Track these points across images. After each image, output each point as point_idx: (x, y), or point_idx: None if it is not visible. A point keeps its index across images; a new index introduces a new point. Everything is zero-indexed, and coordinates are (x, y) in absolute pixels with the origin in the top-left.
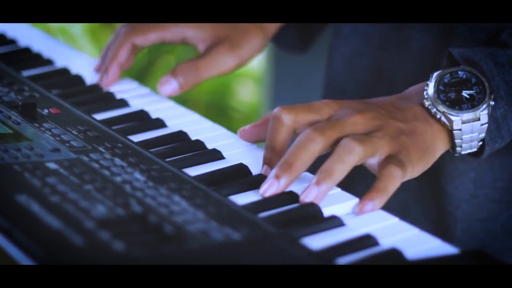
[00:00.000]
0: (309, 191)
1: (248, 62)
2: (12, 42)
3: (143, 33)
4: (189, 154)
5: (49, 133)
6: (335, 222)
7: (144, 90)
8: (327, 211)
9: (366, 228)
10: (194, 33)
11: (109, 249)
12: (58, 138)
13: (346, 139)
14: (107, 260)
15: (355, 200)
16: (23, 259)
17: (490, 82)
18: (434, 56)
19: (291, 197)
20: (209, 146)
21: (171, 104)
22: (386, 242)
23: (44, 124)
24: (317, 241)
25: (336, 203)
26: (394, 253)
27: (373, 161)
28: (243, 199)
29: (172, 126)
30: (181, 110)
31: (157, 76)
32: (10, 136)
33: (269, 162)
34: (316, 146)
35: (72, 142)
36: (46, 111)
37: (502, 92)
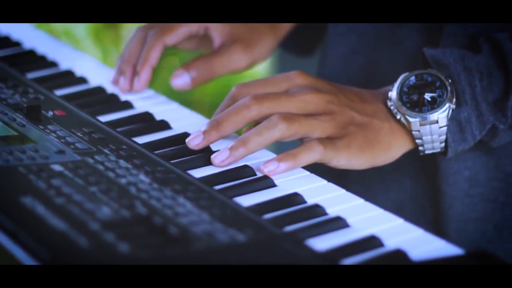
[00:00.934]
0: (221, 152)
1: (260, 62)
2: (17, 44)
3: (173, 31)
4: (193, 155)
5: (54, 135)
6: (339, 223)
7: (149, 92)
8: (331, 212)
9: (371, 229)
10: (216, 26)
11: (114, 250)
12: (63, 140)
13: (274, 115)
14: (112, 262)
15: (360, 200)
16: (28, 261)
17: (457, 86)
18: None
19: (296, 198)
20: (213, 148)
21: (176, 105)
22: (390, 243)
23: (49, 126)
24: (321, 242)
25: (341, 204)
26: (399, 254)
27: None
28: (248, 200)
29: (177, 128)
30: (185, 111)
31: (161, 78)
32: (15, 138)
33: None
34: (248, 113)
35: (77, 144)
36: (50, 113)
37: (467, 96)
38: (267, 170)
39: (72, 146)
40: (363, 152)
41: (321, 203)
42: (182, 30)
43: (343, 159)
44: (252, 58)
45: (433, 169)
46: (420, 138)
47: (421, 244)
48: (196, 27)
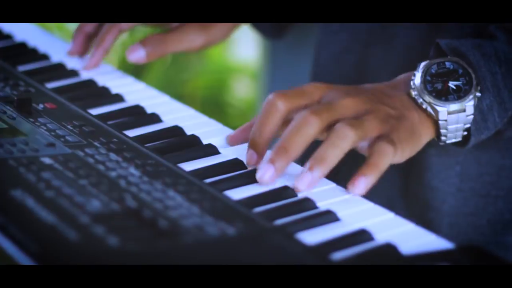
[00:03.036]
0: (302, 177)
1: (217, 42)
2: (8, 37)
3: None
4: (184, 149)
5: (44, 128)
6: (330, 217)
7: (140, 85)
8: (322, 206)
9: (361, 223)
10: None
11: (103, 244)
12: (53, 133)
13: (339, 124)
14: (102, 255)
15: (350, 194)
16: (17, 254)
17: (477, 73)
18: (419, 53)
19: (286, 191)
20: (205, 141)
21: (167, 99)
22: (381, 237)
23: (39, 119)
24: (312, 236)
25: (331, 198)
26: (389, 248)
27: (363, 144)
28: (238, 193)
29: (168, 121)
30: (176, 105)
31: (153, 71)
32: (5, 131)
33: (256, 147)
34: (312, 130)
35: (67, 137)
36: (41, 106)
37: (488, 83)
38: (359, 190)
39: (62, 139)
40: (408, 142)
41: (311, 197)
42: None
43: (398, 156)
44: (208, 38)
45: (422, 165)
46: (445, 128)
47: (411, 238)
48: None
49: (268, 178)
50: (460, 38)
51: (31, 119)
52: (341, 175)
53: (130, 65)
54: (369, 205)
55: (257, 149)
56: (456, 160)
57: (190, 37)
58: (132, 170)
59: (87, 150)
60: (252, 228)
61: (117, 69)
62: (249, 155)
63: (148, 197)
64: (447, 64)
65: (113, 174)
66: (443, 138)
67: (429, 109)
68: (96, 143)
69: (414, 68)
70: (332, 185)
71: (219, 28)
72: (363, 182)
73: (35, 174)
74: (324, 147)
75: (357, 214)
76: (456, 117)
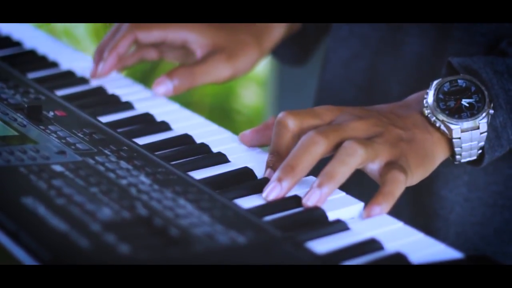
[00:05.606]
0: (311, 194)
1: (243, 73)
2: (18, 44)
3: (147, 29)
4: (194, 157)
5: (55, 136)
6: (340, 226)
7: (149, 93)
8: (332, 215)
9: (371, 232)
10: (196, 38)
11: (114, 252)
12: (63, 141)
13: (348, 141)
14: (113, 263)
15: (360, 204)
16: (29, 262)
17: (490, 91)
18: (429, 61)
19: (296, 201)
20: (214, 149)
21: (176, 107)
22: (390, 246)
23: (49, 127)
24: (321, 245)
25: (341, 207)
26: (399, 258)
27: (373, 167)
28: (248, 202)
29: (177, 129)
30: (186, 113)
31: None
32: (15, 138)
33: (272, 166)
34: (319, 149)
35: (77, 145)
36: (51, 113)
37: (501, 100)
38: (374, 214)
39: (73, 147)
40: (418, 167)
41: (321, 206)
42: (156, 33)
43: (408, 181)
44: (235, 69)
45: (431, 174)
46: (460, 146)
47: (421, 247)
48: (172, 34)
49: (274, 196)
50: (471, 47)
51: (41, 127)
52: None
53: (138, 73)
54: None
55: (275, 168)
56: (464, 169)
57: (218, 69)
58: (143, 178)
59: (97, 158)
60: (262, 237)
61: (125, 77)
62: (268, 173)
63: (159, 205)
64: (460, 82)
65: (123, 182)
66: (457, 157)
67: (442, 127)
68: (106, 151)
69: (424, 76)
70: (342, 194)
71: (245, 58)
72: (377, 211)
73: (46, 182)
74: (332, 163)
75: (367, 223)
76: (469, 135)
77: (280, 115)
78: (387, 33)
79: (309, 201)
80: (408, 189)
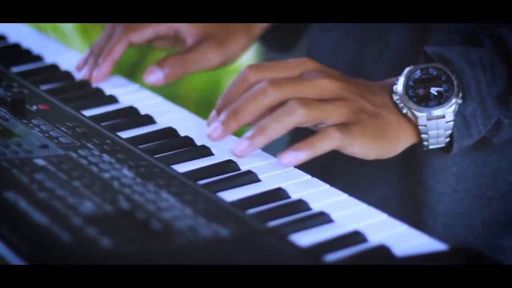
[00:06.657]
0: (240, 142)
1: (233, 60)
2: (2, 38)
3: (139, 29)
4: (178, 150)
5: (38, 130)
6: (323, 218)
7: (134, 86)
8: (316, 207)
9: (355, 225)
10: (186, 27)
11: (96, 245)
12: (46, 135)
13: (291, 101)
14: (95, 257)
15: (344, 195)
16: (10, 256)
17: (462, 80)
18: (413, 50)
19: (280, 193)
20: (198, 142)
21: (161, 100)
22: (374, 238)
23: (32, 121)
24: (305, 238)
25: (325, 199)
26: (383, 250)
27: (323, 127)
28: (231, 195)
29: (161, 123)
30: (170, 106)
31: None
32: None
33: (218, 109)
34: (266, 100)
35: (60, 139)
36: (34, 107)
37: (472, 90)
38: (285, 161)
39: (55, 141)
40: (374, 141)
41: (305, 198)
42: (149, 30)
43: (357, 146)
44: (225, 56)
45: (419, 164)
46: (426, 133)
47: (405, 239)
48: (164, 28)
49: (216, 137)
50: (455, 35)
51: (24, 121)
52: (335, 173)
53: (124, 66)
54: (363, 206)
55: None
56: (453, 160)
57: (208, 56)
58: (126, 171)
59: (80, 151)
60: (245, 230)
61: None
62: (212, 116)
63: (141, 199)
64: (431, 70)
65: (106, 175)
66: (425, 143)
67: (409, 114)
68: (89, 145)
69: (409, 65)
70: (326, 186)
71: (234, 46)
72: (292, 156)
73: (28, 176)
74: (268, 118)
75: (351, 216)
76: (435, 123)
77: (245, 68)
78: (371, 24)
79: (237, 149)
80: (396, 179)
